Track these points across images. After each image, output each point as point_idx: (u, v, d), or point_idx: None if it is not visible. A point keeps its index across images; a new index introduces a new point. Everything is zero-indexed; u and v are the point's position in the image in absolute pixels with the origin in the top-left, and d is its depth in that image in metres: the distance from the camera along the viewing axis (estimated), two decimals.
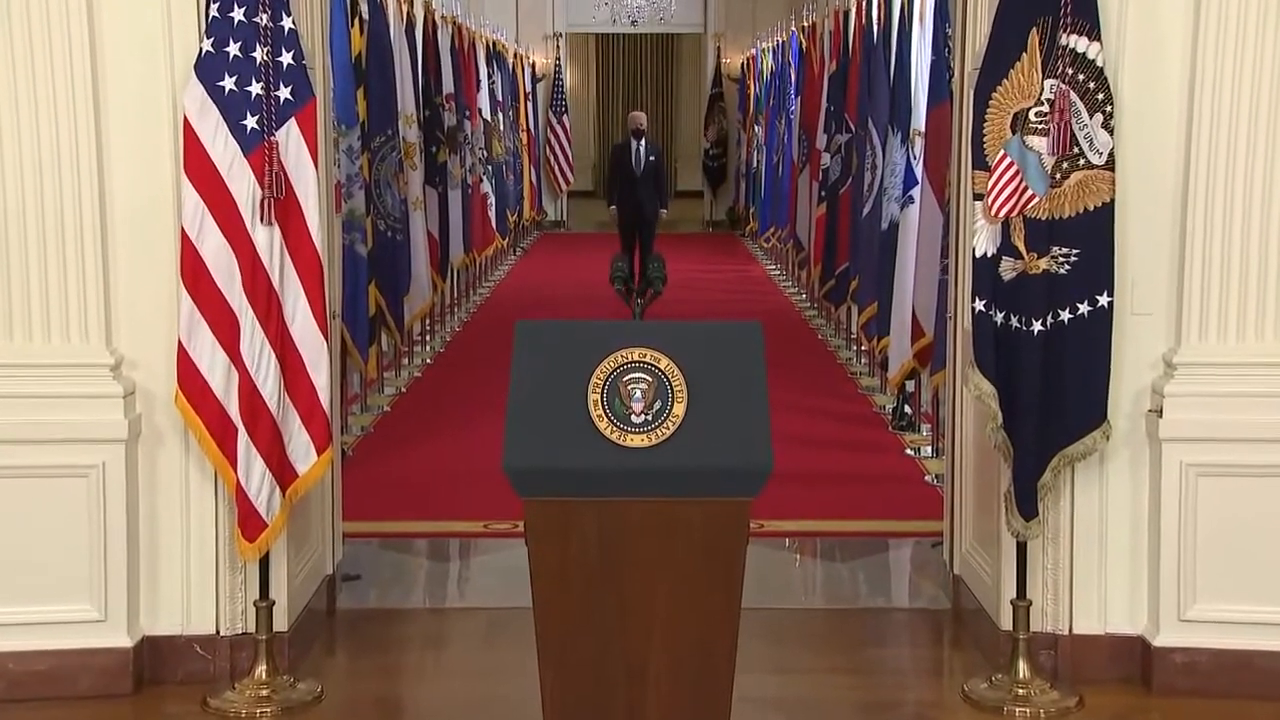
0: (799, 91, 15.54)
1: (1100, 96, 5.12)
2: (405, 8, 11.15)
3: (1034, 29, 5.12)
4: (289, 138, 5.22)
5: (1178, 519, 5.35)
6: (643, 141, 15.03)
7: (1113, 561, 5.48)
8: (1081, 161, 5.14)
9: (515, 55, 21.40)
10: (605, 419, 4.29)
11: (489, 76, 17.16)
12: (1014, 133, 5.17)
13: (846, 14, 12.06)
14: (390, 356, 11.30)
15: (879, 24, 10.31)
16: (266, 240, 5.19)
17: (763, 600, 6.11)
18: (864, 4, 11.07)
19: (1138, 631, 5.49)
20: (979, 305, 5.25)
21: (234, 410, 5.21)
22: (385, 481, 8.33)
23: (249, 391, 5.19)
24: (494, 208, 16.66)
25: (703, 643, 4.27)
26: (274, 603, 5.42)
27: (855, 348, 12.23)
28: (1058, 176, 5.15)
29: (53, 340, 5.30)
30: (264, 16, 5.15)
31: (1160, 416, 5.36)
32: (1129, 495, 5.47)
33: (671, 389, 4.31)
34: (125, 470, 5.33)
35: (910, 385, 9.41)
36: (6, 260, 5.26)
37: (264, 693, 5.30)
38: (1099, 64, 5.11)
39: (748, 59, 23.69)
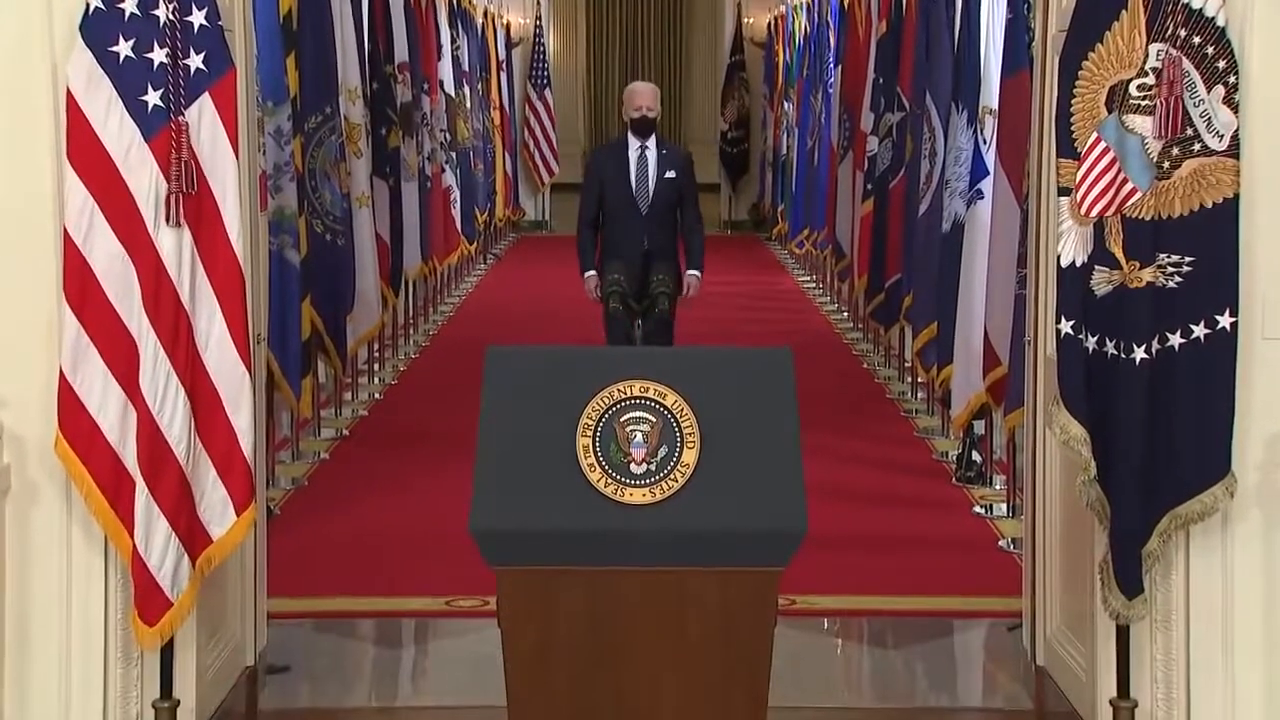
0: (839, 59, 15.57)
1: (1221, 65, 5.10)
2: None
3: None
4: (201, 118, 5.21)
5: None
6: (651, 141, 9.82)
7: (1241, 651, 5.44)
8: (1196, 146, 5.12)
9: (486, 14, 21.47)
10: (598, 469, 4.28)
11: (452, 41, 17.19)
12: (1110, 111, 5.15)
13: None
14: (329, 390, 11.28)
15: None
16: (174, 246, 5.17)
17: (795, 697, 6.08)
18: None
19: None
20: (1066, 327, 5.23)
21: (131, 459, 5.19)
22: (321, 548, 8.30)
23: (150, 435, 5.16)
24: (459, 205, 16.68)
25: None
26: (179, 703, 5.38)
27: (910, 379, 12.22)
28: (1166, 165, 5.13)
29: None
30: None
31: None
32: (1260, 566, 5.43)
33: (680, 431, 4.31)
34: None
35: (980, 427, 9.39)
36: None
37: None
38: (1220, 23, 5.09)
39: (776, 19, 23.76)
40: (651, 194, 9.71)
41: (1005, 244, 8.10)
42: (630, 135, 9.84)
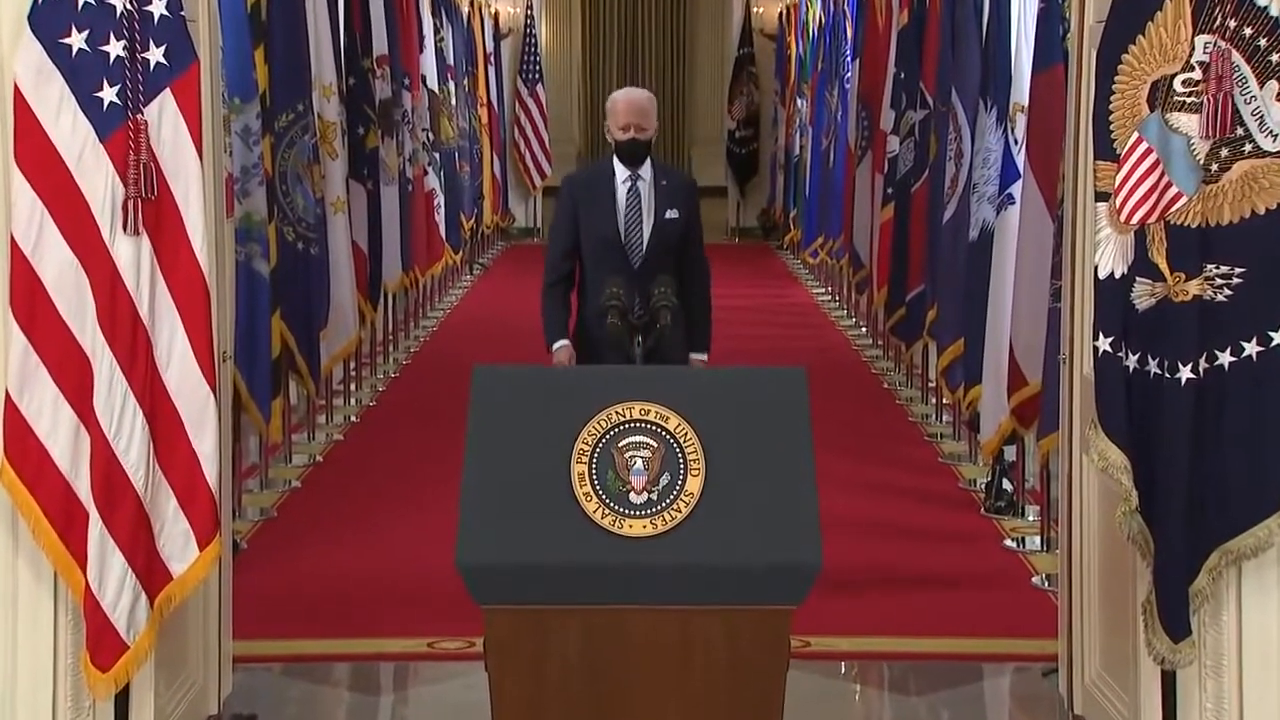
0: (857, 52, 15.60)
1: (1274, 58, 5.10)
2: None
3: None
4: (162, 116, 5.21)
5: None
6: (645, 169, 7.60)
7: None
8: (1247, 147, 5.12)
9: (472, 3, 21.50)
10: (594, 499, 4.27)
11: (436, 32, 17.21)
12: (1153, 109, 5.16)
13: None
14: (301, 413, 11.27)
15: None
16: (132, 255, 5.18)
17: None
18: None
19: None
20: (1104, 344, 5.23)
21: (84, 488, 5.18)
22: (292, 585, 8.29)
23: (105, 462, 5.16)
24: (443, 210, 16.69)
25: None
26: None
27: (935, 400, 12.23)
28: (1214, 168, 5.13)
29: None
30: None
31: None
32: None
33: (684, 458, 4.30)
34: None
35: (1011, 453, 9.38)
36: None
37: None
38: (1273, 13, 5.10)
39: (788, 8, 23.80)
40: (646, 242, 7.56)
41: (1036, 254, 8.11)
42: (616, 160, 7.59)
